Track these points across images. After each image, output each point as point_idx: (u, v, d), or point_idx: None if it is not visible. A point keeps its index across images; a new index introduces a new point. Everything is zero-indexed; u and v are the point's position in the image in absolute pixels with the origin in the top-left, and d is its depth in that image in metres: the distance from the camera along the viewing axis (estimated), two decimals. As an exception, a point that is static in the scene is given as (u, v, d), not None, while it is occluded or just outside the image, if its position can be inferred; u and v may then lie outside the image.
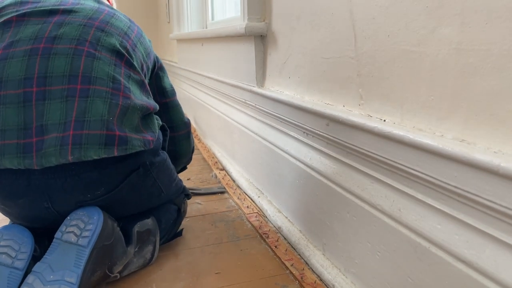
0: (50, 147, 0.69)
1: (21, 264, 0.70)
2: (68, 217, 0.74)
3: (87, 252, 0.70)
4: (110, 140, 0.71)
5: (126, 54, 0.80)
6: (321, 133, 0.81)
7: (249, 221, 1.08)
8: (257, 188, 1.23)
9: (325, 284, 0.79)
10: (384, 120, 0.65)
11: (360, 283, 0.71)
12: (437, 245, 0.53)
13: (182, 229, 0.99)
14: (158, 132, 0.84)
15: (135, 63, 0.82)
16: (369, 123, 0.65)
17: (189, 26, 2.23)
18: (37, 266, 0.70)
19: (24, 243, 0.72)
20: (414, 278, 0.58)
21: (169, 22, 2.67)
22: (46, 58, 0.72)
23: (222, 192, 1.30)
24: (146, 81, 0.87)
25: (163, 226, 0.90)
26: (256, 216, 1.10)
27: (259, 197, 1.17)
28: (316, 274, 0.82)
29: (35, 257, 0.74)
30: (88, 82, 0.73)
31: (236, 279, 0.82)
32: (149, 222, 0.85)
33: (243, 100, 1.29)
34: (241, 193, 1.27)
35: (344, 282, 0.74)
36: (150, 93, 0.87)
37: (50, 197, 0.73)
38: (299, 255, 0.89)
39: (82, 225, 0.72)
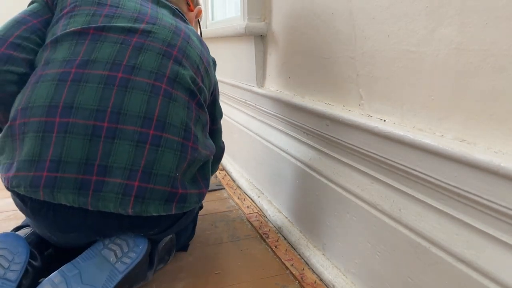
0: (111, 193, 0.66)
1: (13, 275, 0.67)
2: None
3: (119, 277, 0.69)
4: (172, 197, 0.70)
5: (198, 94, 0.78)
6: (321, 133, 0.81)
7: (249, 221, 1.08)
8: (257, 188, 1.23)
9: (325, 284, 0.78)
10: (384, 120, 0.65)
11: (360, 283, 0.71)
12: (437, 245, 0.53)
13: (188, 245, 0.97)
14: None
15: (203, 101, 0.80)
16: (369, 123, 0.65)
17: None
18: (67, 268, 0.68)
19: (19, 254, 0.69)
20: (414, 278, 0.58)
21: (169, 22, 2.67)
22: (123, 91, 0.69)
23: (220, 189, 1.30)
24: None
25: (180, 242, 0.91)
26: (256, 216, 1.10)
27: (259, 197, 1.17)
28: (316, 274, 0.82)
29: (35, 267, 0.72)
30: (161, 129, 0.70)
31: (236, 279, 0.82)
32: (169, 243, 0.85)
33: (243, 100, 1.29)
34: (241, 193, 1.27)
35: (344, 282, 0.74)
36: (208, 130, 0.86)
37: (104, 233, 0.72)
38: (299, 255, 0.89)
39: (125, 249, 0.71)
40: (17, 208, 1.15)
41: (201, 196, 0.77)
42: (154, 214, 0.69)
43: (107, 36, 0.72)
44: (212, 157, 0.82)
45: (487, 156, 0.45)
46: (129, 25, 0.75)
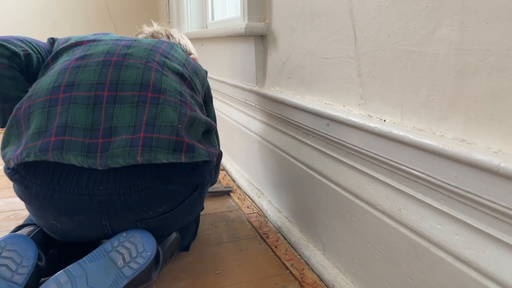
0: (118, 148, 0.68)
1: (20, 279, 0.67)
2: (124, 234, 0.72)
3: (125, 282, 0.68)
4: (179, 146, 0.71)
5: (189, 78, 0.83)
6: (321, 133, 0.81)
7: (249, 221, 1.08)
8: (257, 188, 1.23)
9: (325, 284, 0.78)
10: (384, 120, 0.65)
11: (360, 283, 0.71)
12: (437, 245, 0.53)
13: (189, 245, 0.96)
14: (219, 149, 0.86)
15: (195, 87, 0.85)
16: (369, 123, 0.65)
17: (189, 26, 2.23)
18: (74, 268, 0.67)
19: (27, 257, 0.69)
20: (414, 278, 0.58)
21: (169, 22, 2.67)
22: (119, 68, 0.76)
23: (229, 191, 1.29)
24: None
25: (183, 243, 0.91)
26: (256, 216, 1.10)
27: (259, 197, 1.17)
28: (316, 274, 0.82)
29: (39, 267, 0.72)
30: (158, 92, 0.75)
31: (236, 279, 0.82)
32: (173, 244, 0.85)
33: (243, 100, 1.29)
34: (241, 193, 1.27)
35: (344, 282, 0.74)
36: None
37: (110, 214, 0.71)
38: (299, 255, 0.89)
39: (134, 254, 0.70)
40: (16, 209, 1.15)
41: (210, 154, 0.77)
42: (165, 161, 0.70)
43: (99, 43, 0.82)
44: (215, 128, 0.85)
45: (487, 156, 0.45)
46: (117, 38, 0.86)
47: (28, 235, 0.76)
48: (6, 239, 0.70)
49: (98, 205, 0.70)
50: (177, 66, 0.82)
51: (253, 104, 1.20)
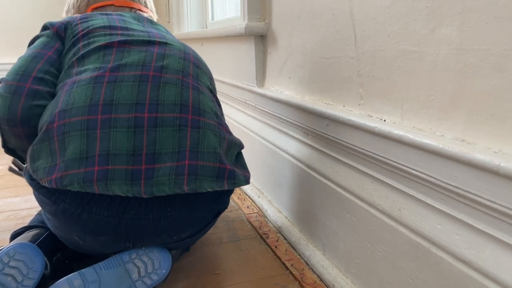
0: (163, 176, 0.66)
1: None
2: (144, 247, 0.72)
3: None
4: (221, 173, 0.71)
5: (215, 94, 0.84)
6: (321, 133, 0.81)
7: (249, 221, 1.08)
8: (257, 188, 1.23)
9: (325, 284, 0.79)
10: (384, 120, 0.65)
11: (360, 283, 0.71)
12: (437, 245, 0.53)
13: (189, 246, 0.97)
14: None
15: (219, 101, 0.85)
16: (369, 123, 0.65)
17: (189, 26, 2.23)
18: (88, 272, 0.67)
19: (34, 269, 0.68)
20: (414, 278, 0.58)
21: (168, 22, 2.67)
22: (157, 86, 0.73)
23: None
24: None
25: (186, 249, 0.92)
26: (256, 216, 1.10)
27: (259, 197, 1.17)
28: (316, 274, 0.82)
29: (44, 275, 0.71)
30: (198, 114, 0.73)
31: (236, 279, 0.82)
32: (179, 252, 0.86)
33: (243, 100, 1.29)
34: (241, 193, 1.27)
35: (344, 282, 0.74)
36: None
37: (135, 238, 0.71)
38: (299, 255, 0.89)
39: (150, 269, 0.70)
40: (16, 209, 1.15)
41: (247, 179, 0.77)
42: (209, 190, 0.70)
43: (131, 47, 0.77)
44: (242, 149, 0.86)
45: (487, 156, 0.45)
46: (146, 39, 0.80)
47: (36, 240, 0.75)
48: (16, 247, 0.69)
49: (125, 228, 0.69)
50: (207, 79, 0.82)
51: (253, 104, 1.20)
